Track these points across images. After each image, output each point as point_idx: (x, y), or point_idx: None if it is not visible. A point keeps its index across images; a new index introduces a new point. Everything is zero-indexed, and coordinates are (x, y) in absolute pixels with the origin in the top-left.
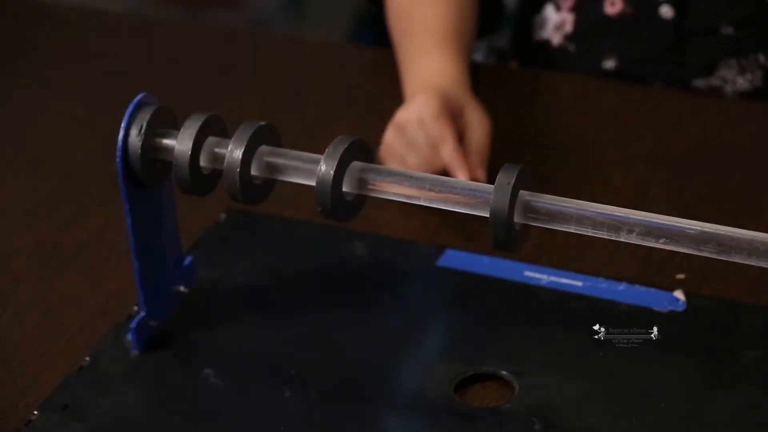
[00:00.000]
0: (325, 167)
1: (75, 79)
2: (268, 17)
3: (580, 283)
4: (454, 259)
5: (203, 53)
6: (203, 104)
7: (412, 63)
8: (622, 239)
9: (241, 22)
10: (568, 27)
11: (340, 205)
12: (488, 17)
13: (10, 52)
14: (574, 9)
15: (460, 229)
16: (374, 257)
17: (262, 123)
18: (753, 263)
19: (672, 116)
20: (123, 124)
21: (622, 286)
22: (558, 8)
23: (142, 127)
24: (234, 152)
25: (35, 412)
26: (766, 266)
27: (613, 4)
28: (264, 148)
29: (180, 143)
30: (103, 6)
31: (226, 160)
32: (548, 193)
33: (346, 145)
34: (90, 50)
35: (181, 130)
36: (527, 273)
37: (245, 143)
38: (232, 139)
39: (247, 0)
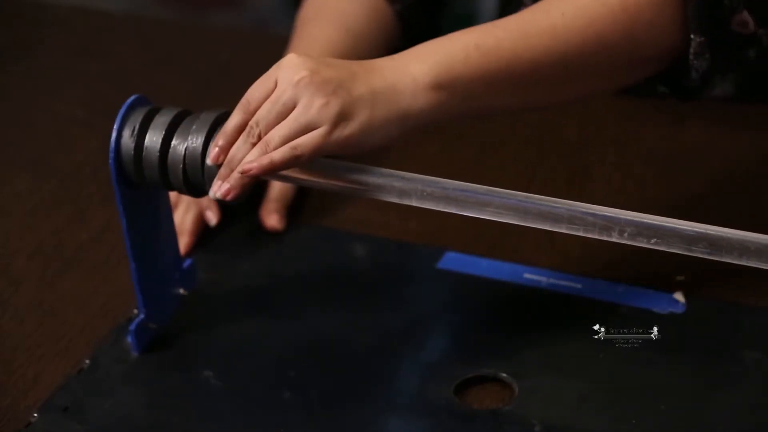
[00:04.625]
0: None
1: (75, 79)
2: (268, 17)
3: (579, 285)
4: (454, 261)
5: (203, 53)
6: (203, 104)
7: None
8: (614, 239)
9: (241, 22)
10: None
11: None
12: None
13: (10, 52)
14: None
15: (459, 231)
16: (374, 259)
17: (222, 111)
18: (744, 263)
19: (670, 117)
20: (115, 126)
21: (621, 288)
22: None
23: (134, 128)
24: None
25: (35, 414)
26: (757, 266)
27: None
28: None
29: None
30: (103, 6)
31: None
32: (548, 194)
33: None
34: (90, 50)
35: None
36: (527, 275)
37: (205, 132)
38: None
39: (247, 0)
